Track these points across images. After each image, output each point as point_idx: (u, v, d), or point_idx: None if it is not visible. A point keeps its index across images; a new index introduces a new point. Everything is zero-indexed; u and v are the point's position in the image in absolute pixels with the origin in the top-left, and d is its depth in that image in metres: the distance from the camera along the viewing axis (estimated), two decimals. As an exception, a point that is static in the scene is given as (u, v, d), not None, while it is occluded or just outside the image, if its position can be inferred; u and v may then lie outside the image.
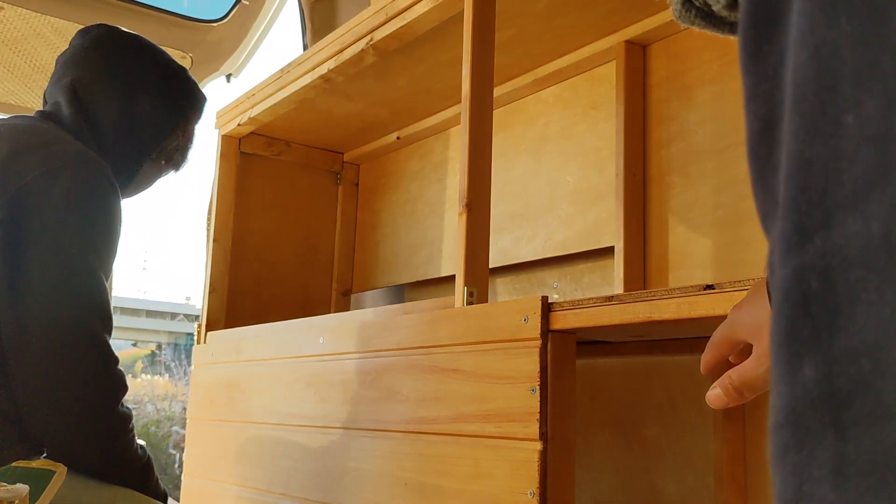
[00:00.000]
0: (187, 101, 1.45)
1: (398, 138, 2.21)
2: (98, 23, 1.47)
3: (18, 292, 1.14)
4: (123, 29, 1.47)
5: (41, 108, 1.38)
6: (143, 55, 1.42)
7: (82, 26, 1.47)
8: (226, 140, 2.19)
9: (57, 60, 1.43)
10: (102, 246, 1.22)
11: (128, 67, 1.38)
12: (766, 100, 0.31)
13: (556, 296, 1.79)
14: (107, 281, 1.24)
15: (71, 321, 1.15)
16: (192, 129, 1.50)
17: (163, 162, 1.46)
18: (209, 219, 2.17)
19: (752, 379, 0.55)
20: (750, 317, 0.55)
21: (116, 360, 1.23)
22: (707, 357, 0.60)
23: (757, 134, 0.32)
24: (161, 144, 1.43)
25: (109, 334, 1.23)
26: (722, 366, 0.60)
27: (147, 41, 1.46)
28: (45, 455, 1.22)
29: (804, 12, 0.27)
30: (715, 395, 0.57)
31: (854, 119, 0.25)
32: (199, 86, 1.51)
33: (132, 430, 1.26)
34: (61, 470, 1.16)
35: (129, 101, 1.36)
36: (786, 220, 0.27)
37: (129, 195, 1.46)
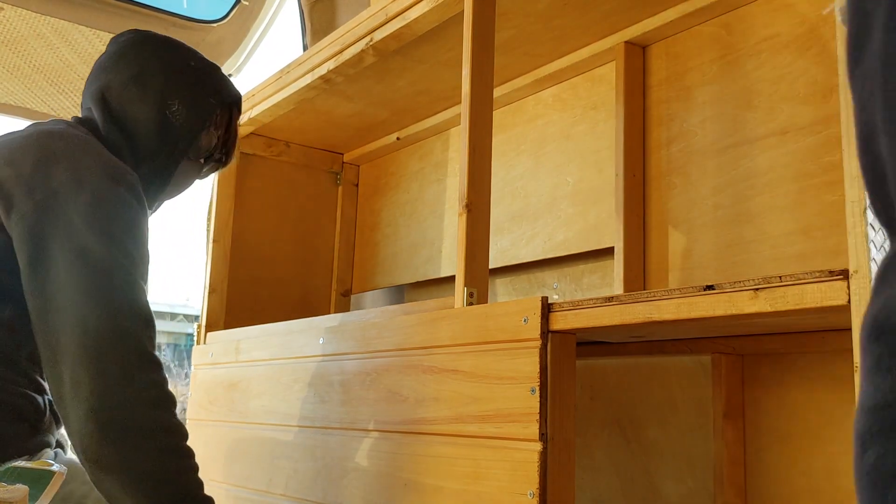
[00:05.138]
0: (218, 99, 1.42)
1: (398, 139, 2.21)
2: (131, 29, 1.45)
3: (48, 298, 1.11)
4: (155, 32, 1.45)
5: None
6: (173, 56, 1.40)
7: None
8: (226, 140, 2.19)
9: (92, 67, 1.42)
10: (132, 248, 1.18)
11: (157, 70, 1.37)
12: (862, 111, 0.33)
13: (555, 296, 1.79)
14: (145, 285, 1.19)
15: (99, 320, 1.10)
16: (228, 125, 1.46)
17: (202, 160, 1.44)
18: (209, 219, 2.17)
19: None
20: None
21: (155, 363, 1.14)
22: None
23: (859, 143, 0.34)
24: (195, 144, 1.40)
25: (146, 332, 1.15)
26: None
27: (176, 41, 1.44)
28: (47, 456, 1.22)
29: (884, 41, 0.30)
30: None
31: None
32: (231, 81, 1.47)
33: (177, 445, 1.12)
34: (61, 471, 1.16)
35: (159, 105, 1.35)
36: None
37: (170, 195, 1.44)
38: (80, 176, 1.17)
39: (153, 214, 1.43)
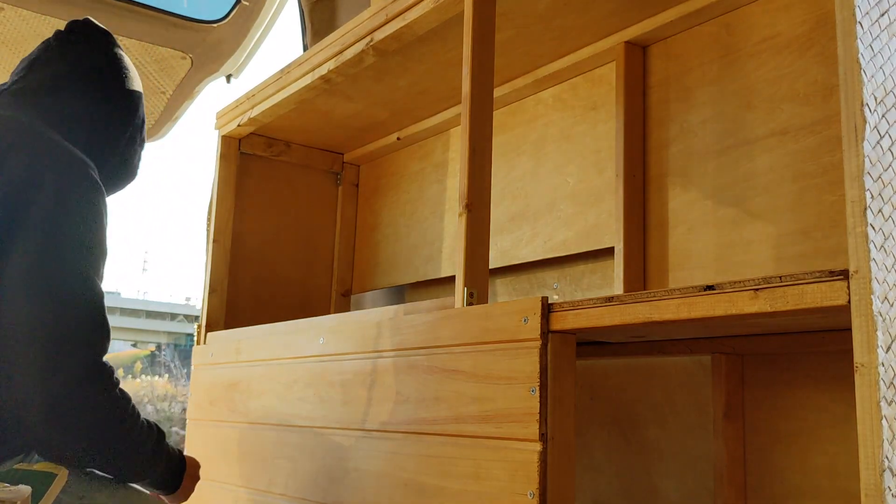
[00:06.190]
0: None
1: (398, 139, 2.21)
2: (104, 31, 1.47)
3: (4, 296, 1.09)
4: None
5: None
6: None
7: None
8: (226, 140, 2.19)
9: (71, 52, 1.42)
10: (96, 247, 1.17)
11: (136, 116, 1.43)
12: None
13: (555, 296, 1.79)
14: (100, 282, 1.18)
15: (58, 328, 1.09)
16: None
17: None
18: (209, 219, 2.18)
19: None
20: None
21: (108, 371, 1.15)
22: None
23: None
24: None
25: (104, 339, 1.15)
26: None
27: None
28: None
29: None
30: None
31: None
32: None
33: (131, 426, 1.17)
34: (63, 473, 1.16)
35: (130, 144, 1.42)
36: None
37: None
38: (38, 168, 1.15)
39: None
